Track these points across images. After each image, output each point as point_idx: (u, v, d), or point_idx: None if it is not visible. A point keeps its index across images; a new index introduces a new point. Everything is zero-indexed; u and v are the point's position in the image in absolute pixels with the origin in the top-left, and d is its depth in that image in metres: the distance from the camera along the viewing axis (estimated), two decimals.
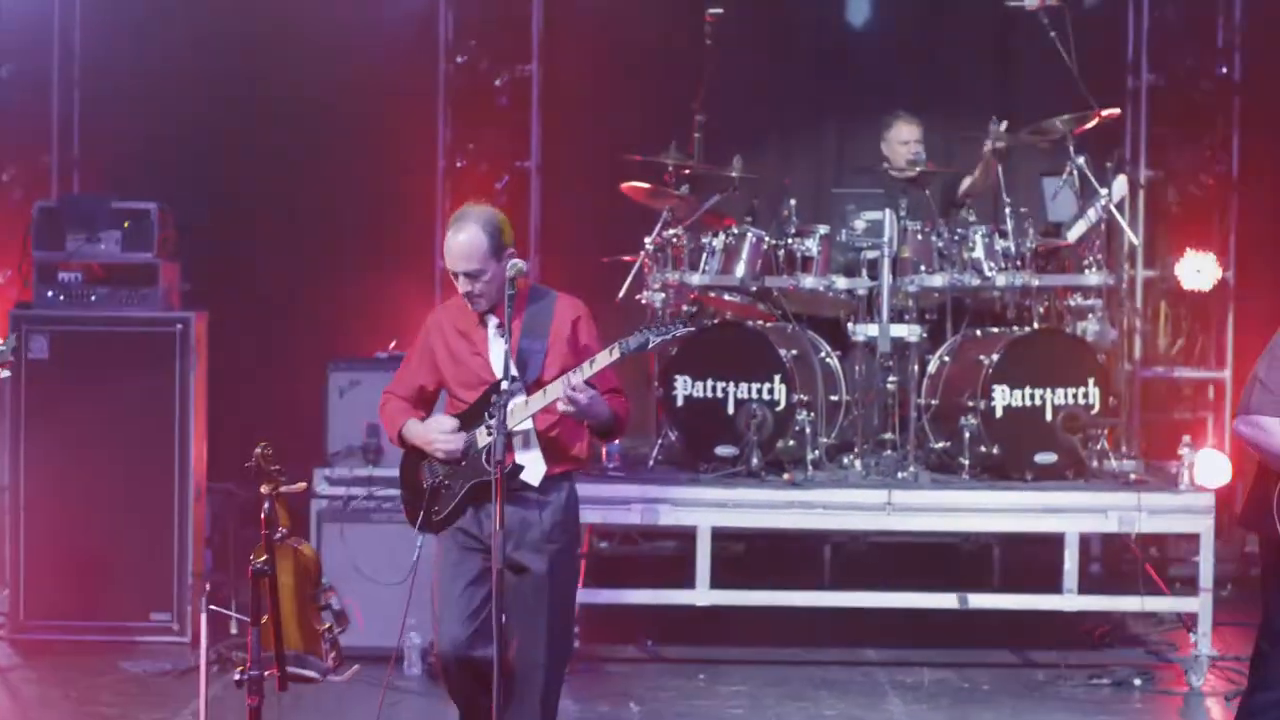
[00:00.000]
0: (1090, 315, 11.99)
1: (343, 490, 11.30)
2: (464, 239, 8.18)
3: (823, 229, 11.67)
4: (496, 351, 8.24)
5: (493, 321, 8.26)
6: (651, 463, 11.63)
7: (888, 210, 11.41)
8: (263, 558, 7.69)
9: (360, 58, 13.37)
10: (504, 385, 8.11)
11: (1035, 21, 12.04)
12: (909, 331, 11.44)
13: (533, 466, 8.16)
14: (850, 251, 11.61)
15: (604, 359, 8.06)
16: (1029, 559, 12.36)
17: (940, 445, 11.58)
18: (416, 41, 13.81)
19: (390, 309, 12.88)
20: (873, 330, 11.45)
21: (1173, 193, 13.77)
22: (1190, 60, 13.68)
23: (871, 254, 11.52)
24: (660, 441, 11.71)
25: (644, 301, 11.91)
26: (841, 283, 11.55)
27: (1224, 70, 13.58)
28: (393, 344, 11.78)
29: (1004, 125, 11.78)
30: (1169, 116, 13.78)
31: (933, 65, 13.90)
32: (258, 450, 7.85)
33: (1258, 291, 13.62)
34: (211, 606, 8.25)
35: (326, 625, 8.18)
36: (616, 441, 11.36)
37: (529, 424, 8.17)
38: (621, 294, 11.97)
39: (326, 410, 11.54)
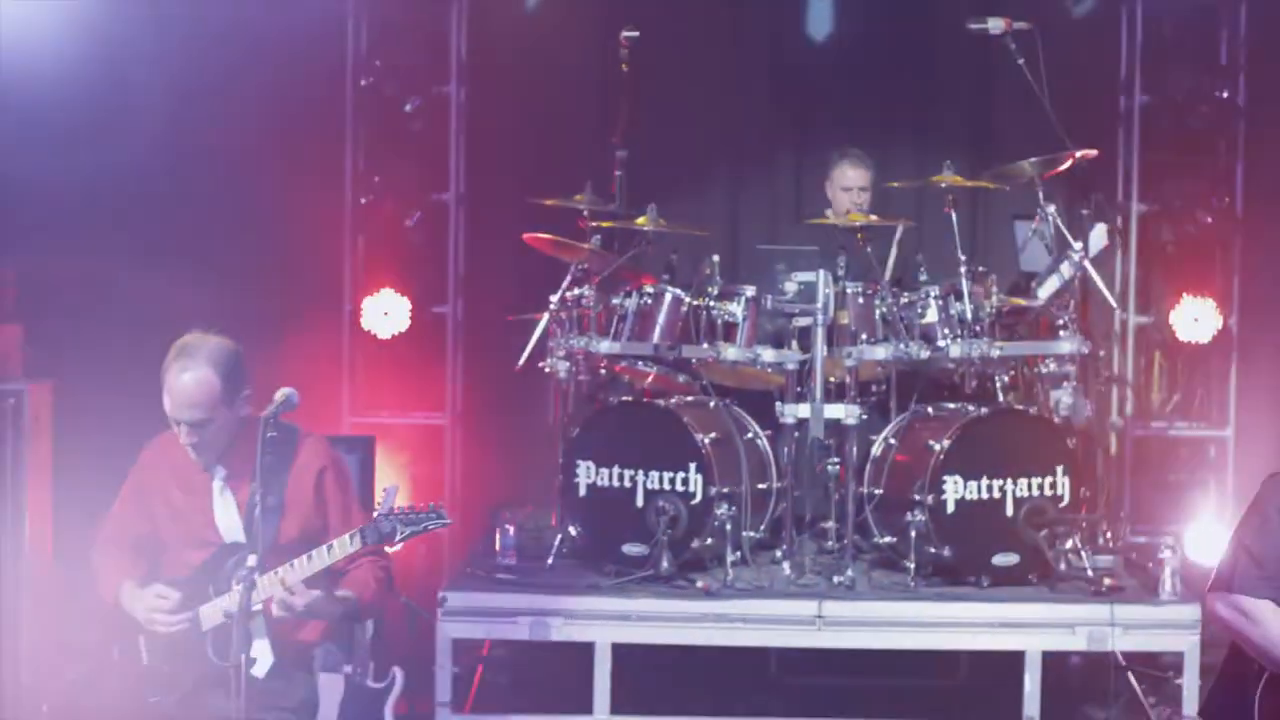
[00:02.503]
0: (1065, 384, 9.62)
1: None
2: (191, 381, 6.22)
3: (749, 291, 9.41)
4: (223, 508, 6.48)
5: (220, 472, 6.13)
6: (551, 559, 9.43)
7: (821, 271, 9.19)
8: None
9: (261, 81, 10.98)
10: (248, 565, 5.98)
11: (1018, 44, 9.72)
12: (846, 412, 9.23)
13: (261, 657, 6.05)
14: (780, 318, 9.30)
15: (340, 550, 6.05)
16: None
17: (886, 540, 9.37)
18: (325, 62, 11.37)
19: (289, 371, 10.60)
20: (805, 410, 9.12)
21: (1168, 230, 11.50)
22: (1188, 80, 11.36)
23: (804, 321, 9.18)
24: (561, 535, 9.44)
25: (548, 370, 9.69)
26: (768, 355, 9.39)
27: (1225, 94, 11.02)
28: None
29: (950, 168, 9.42)
30: (1165, 143, 11.51)
31: (902, 91, 11.59)
32: None
33: (1263, 341, 11.48)
34: None
35: None
36: (510, 531, 9.20)
37: (257, 605, 6.40)
38: (522, 361, 9.76)
39: None
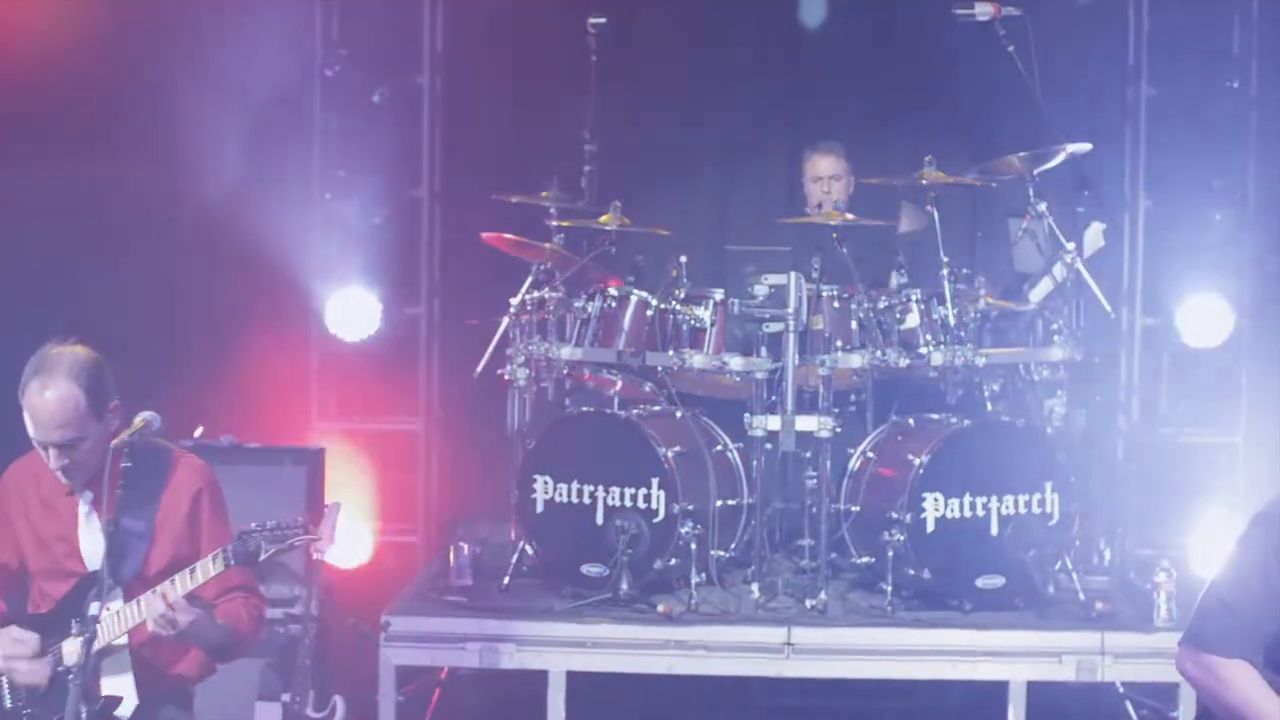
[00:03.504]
0: (1060, 393, 8.83)
1: None
2: (53, 398, 5.54)
3: (718, 294, 8.62)
4: (89, 536, 5.86)
5: (87, 496, 5.48)
6: (508, 579, 8.66)
7: (793, 274, 8.37)
8: None
9: (226, 70, 10.21)
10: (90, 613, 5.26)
11: (1016, 33, 8.96)
12: (819, 424, 8.42)
13: (126, 697, 5.32)
14: (750, 323, 8.49)
15: (203, 573, 5.32)
16: None
17: (864, 560, 8.59)
18: (294, 51, 10.61)
19: (250, 375, 10.00)
20: (775, 422, 8.34)
21: (1176, 227, 10.54)
22: (1198, 70, 10.41)
23: (775, 327, 8.37)
24: (517, 554, 8.68)
25: (506, 378, 8.90)
26: (736, 363, 8.61)
27: (1237, 84, 10.17)
28: (198, 431, 8.86)
29: (932, 164, 8.63)
30: (1173, 136, 10.55)
31: (901, 83, 10.87)
32: None
33: (1276, 343, 10.55)
34: None
35: None
36: (465, 550, 8.47)
37: (122, 639, 5.62)
38: (480, 367, 9.00)
39: None
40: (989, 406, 8.99)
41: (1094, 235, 9.16)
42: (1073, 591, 8.57)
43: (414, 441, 10.92)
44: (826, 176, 9.67)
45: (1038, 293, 9.11)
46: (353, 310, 10.61)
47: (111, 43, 10.10)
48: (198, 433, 9.00)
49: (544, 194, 9.30)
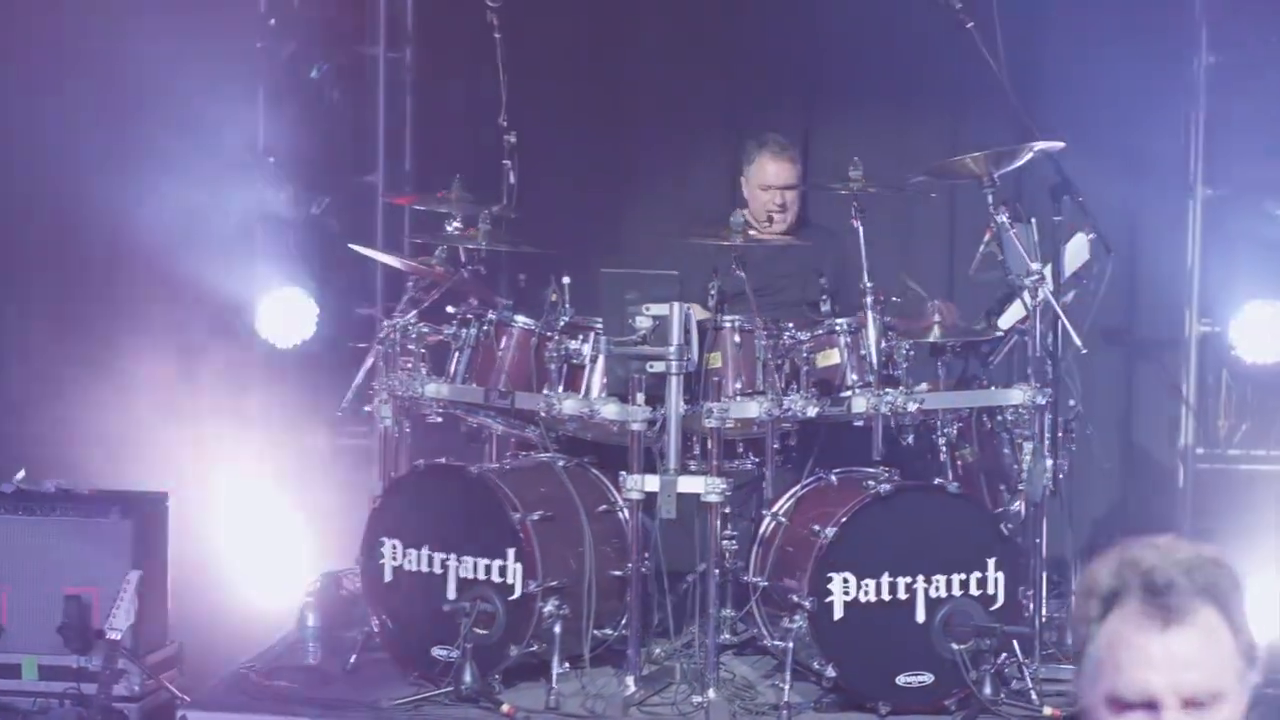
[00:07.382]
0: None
1: None
2: None
3: (600, 324, 6.75)
4: None
5: None
6: (354, 659, 6.96)
7: (676, 304, 6.48)
8: None
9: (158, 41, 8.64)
10: None
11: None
12: (706, 486, 6.51)
13: None
14: (633, 360, 6.63)
15: None
16: None
17: (776, 643, 6.67)
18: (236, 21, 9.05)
19: (175, 385, 8.54)
20: (655, 483, 6.49)
21: (1238, 219, 8.51)
22: (1268, 35, 8.31)
23: (661, 366, 6.51)
24: (364, 630, 6.98)
25: (374, 415, 7.21)
26: (610, 410, 6.79)
27: None
28: (19, 474, 7.33)
29: (857, 168, 6.70)
30: (1234, 112, 8.54)
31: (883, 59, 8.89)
32: None
33: None
34: None
35: None
36: (310, 620, 6.85)
37: None
38: (345, 404, 7.32)
39: None
40: (943, 454, 7.06)
41: (1077, 248, 7.21)
42: (1023, 689, 6.62)
43: (368, 458, 9.29)
44: (778, 186, 7.76)
45: (1007, 319, 7.27)
46: (287, 313, 8.98)
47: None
48: (19, 476, 7.45)
49: (442, 194, 7.52)
